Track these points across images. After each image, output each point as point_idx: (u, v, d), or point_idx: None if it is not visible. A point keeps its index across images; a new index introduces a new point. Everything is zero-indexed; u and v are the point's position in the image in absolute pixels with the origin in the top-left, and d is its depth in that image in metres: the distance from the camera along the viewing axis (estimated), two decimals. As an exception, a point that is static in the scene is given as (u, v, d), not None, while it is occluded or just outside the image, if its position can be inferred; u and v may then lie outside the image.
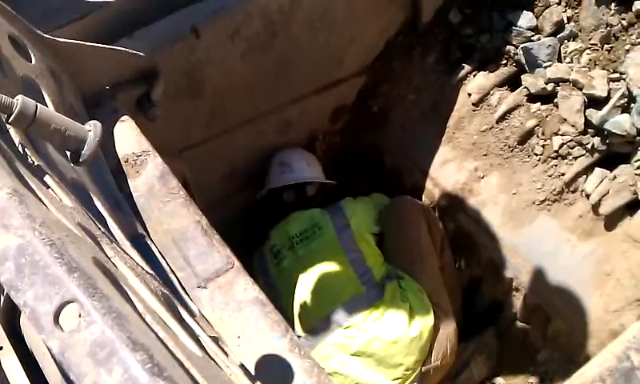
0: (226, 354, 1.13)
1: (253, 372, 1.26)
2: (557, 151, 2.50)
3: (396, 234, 2.70)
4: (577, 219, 2.48)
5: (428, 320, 2.42)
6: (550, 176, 2.53)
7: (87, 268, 0.72)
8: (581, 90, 2.44)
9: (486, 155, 2.71)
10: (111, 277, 0.80)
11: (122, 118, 1.80)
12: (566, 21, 2.60)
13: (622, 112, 2.34)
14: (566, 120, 2.48)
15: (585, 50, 2.53)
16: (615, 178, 2.37)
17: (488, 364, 2.71)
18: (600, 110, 2.38)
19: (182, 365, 0.80)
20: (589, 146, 2.43)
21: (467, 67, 2.79)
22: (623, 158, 2.39)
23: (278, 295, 2.60)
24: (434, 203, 2.89)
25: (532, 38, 2.63)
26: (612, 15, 2.45)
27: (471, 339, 2.69)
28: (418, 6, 2.78)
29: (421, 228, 2.66)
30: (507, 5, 2.72)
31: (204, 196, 2.52)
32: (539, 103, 2.58)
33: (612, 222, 2.39)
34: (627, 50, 2.40)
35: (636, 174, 2.33)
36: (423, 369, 2.40)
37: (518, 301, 2.64)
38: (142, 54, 1.84)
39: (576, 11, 2.59)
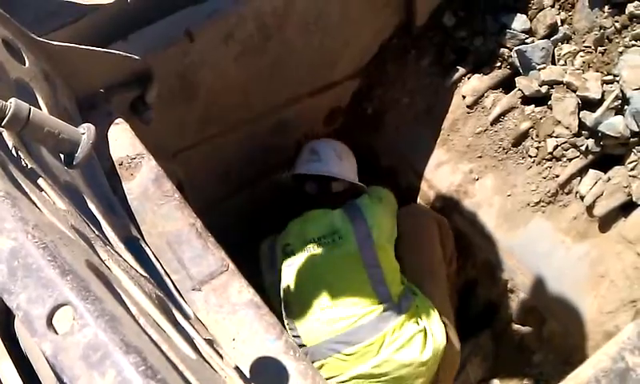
0: (220, 356, 1.13)
1: (248, 374, 1.26)
2: (551, 153, 2.51)
3: (410, 247, 2.61)
4: (571, 221, 2.49)
5: (440, 343, 2.35)
6: (545, 178, 2.54)
7: (80, 271, 0.72)
8: (575, 92, 2.44)
9: (480, 157, 2.72)
10: (105, 279, 0.80)
11: (116, 121, 1.80)
12: (559, 23, 2.61)
13: (616, 114, 2.35)
14: (560, 122, 2.48)
15: (578, 52, 2.54)
16: (609, 179, 2.38)
17: (484, 366, 2.72)
18: (594, 112, 2.39)
19: (175, 367, 0.79)
20: (583, 148, 2.44)
21: (461, 70, 2.80)
22: (617, 159, 2.40)
23: (282, 297, 2.48)
24: (429, 205, 2.89)
25: (526, 41, 2.64)
26: (605, 18, 2.46)
27: (467, 341, 2.69)
28: (412, 10, 2.79)
29: (434, 241, 2.60)
30: (501, 8, 2.72)
31: (199, 198, 2.52)
32: (533, 105, 2.59)
33: (606, 223, 2.40)
34: (620, 53, 2.41)
35: (630, 176, 2.34)
36: None
37: (513, 302, 2.64)
38: (136, 56, 1.84)
39: (569, 14, 2.60)
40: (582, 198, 2.43)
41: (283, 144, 2.97)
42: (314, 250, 2.46)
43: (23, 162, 1.11)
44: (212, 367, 1.03)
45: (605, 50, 2.47)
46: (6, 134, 1.15)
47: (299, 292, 2.44)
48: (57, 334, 0.67)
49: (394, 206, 2.71)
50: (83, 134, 1.12)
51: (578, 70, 2.50)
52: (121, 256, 1.16)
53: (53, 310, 0.68)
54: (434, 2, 2.83)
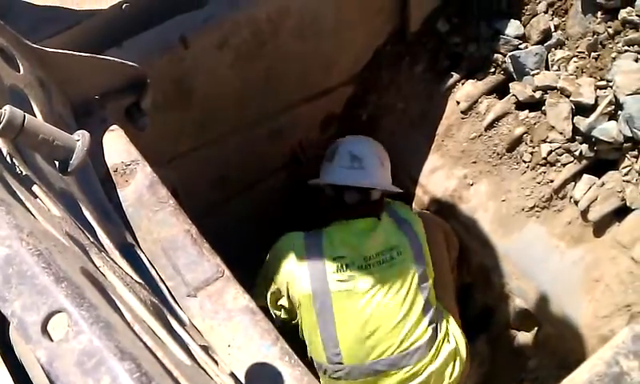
0: (216, 362, 1.13)
1: (243, 381, 1.26)
2: (545, 158, 2.52)
3: None
4: (566, 226, 2.49)
5: (465, 360, 2.36)
6: (539, 183, 2.55)
7: (75, 278, 0.72)
8: (568, 97, 2.45)
9: (475, 162, 2.72)
10: (99, 286, 0.80)
11: (111, 128, 1.80)
12: (553, 29, 2.62)
13: (610, 119, 2.36)
14: (553, 127, 2.49)
15: (572, 57, 2.55)
16: (603, 184, 2.38)
17: (480, 371, 2.72)
18: (587, 117, 2.40)
19: (170, 374, 0.79)
20: (577, 153, 2.45)
21: (455, 76, 2.81)
22: (611, 164, 2.41)
23: (326, 309, 2.26)
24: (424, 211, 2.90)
25: (519, 47, 2.65)
26: (598, 23, 2.47)
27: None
28: (406, 16, 2.80)
29: (443, 249, 2.51)
30: (494, 14, 2.74)
31: (194, 205, 2.52)
32: (527, 111, 2.60)
33: (601, 228, 2.41)
34: (614, 58, 2.42)
35: (624, 181, 2.35)
36: None
37: (508, 307, 2.64)
38: (131, 63, 1.84)
39: (563, 19, 2.61)
40: (576, 202, 2.44)
41: (278, 150, 2.97)
42: (372, 266, 2.27)
43: (18, 169, 1.11)
44: (207, 373, 1.02)
45: (598, 55, 2.48)
46: (0, 141, 1.15)
47: (350, 309, 2.26)
48: (52, 340, 0.67)
49: None
50: (78, 140, 1.12)
51: (572, 75, 2.52)
52: (116, 263, 1.16)
53: (47, 316, 0.68)
54: (428, 8, 2.85)
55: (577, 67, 2.52)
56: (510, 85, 2.66)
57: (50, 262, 0.70)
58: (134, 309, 0.92)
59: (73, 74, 1.71)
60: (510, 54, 2.64)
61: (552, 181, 2.51)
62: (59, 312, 0.69)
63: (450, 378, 2.33)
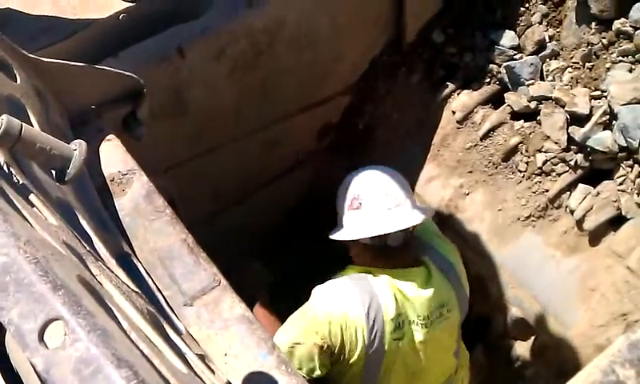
0: (212, 371, 1.13)
1: (239, 390, 1.26)
2: (540, 168, 2.53)
3: None
4: (561, 235, 2.50)
5: (468, 371, 2.34)
6: (535, 192, 2.56)
7: (72, 286, 0.72)
8: (563, 107, 2.47)
9: (470, 172, 2.73)
10: (96, 294, 0.80)
11: (108, 137, 1.80)
12: (547, 40, 2.64)
13: (604, 129, 2.38)
14: (549, 137, 2.51)
15: (566, 68, 2.57)
16: (598, 194, 2.39)
17: (476, 380, 2.71)
18: (582, 127, 2.41)
19: (167, 382, 0.79)
20: (572, 163, 2.46)
21: (451, 86, 2.82)
22: (606, 174, 2.42)
23: (373, 367, 2.05)
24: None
25: (514, 57, 2.67)
26: (592, 34, 2.49)
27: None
28: (401, 26, 2.82)
29: None
30: (489, 24, 2.76)
31: (190, 214, 2.51)
32: (522, 121, 2.62)
33: (596, 237, 2.42)
34: (608, 68, 2.43)
35: (619, 190, 2.36)
36: None
37: (504, 316, 2.65)
38: (127, 73, 1.84)
39: (557, 30, 2.63)
40: (571, 212, 2.45)
41: (275, 160, 2.97)
42: (426, 326, 2.05)
43: (15, 178, 1.11)
44: (204, 382, 1.02)
45: (592, 65, 2.50)
46: (-3, 150, 1.15)
47: (399, 365, 2.08)
48: (48, 348, 0.67)
49: None
50: (75, 150, 1.13)
51: (567, 85, 2.53)
52: (112, 271, 1.16)
53: (44, 324, 0.68)
54: (424, 18, 2.86)
55: (571, 77, 2.54)
56: (505, 95, 2.67)
57: (47, 270, 0.71)
58: (131, 317, 0.92)
59: (69, 83, 1.72)
60: (505, 64, 2.65)
61: (547, 190, 2.52)
62: (56, 320, 0.69)
63: None
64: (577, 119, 2.44)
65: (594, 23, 2.50)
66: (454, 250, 2.21)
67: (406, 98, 2.93)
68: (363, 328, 1.94)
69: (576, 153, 2.46)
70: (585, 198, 2.42)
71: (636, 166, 2.33)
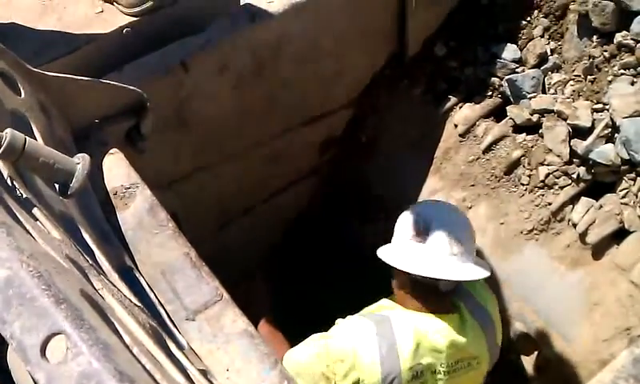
0: (214, 386, 1.12)
1: (242, 404, 1.25)
2: (543, 181, 2.53)
3: None
4: (564, 248, 2.50)
5: None
6: (537, 206, 2.55)
7: (74, 300, 0.72)
8: (565, 120, 2.47)
9: (473, 185, 2.73)
10: (98, 309, 0.80)
11: (111, 151, 1.81)
12: (549, 53, 2.64)
13: (607, 142, 2.38)
14: (551, 150, 2.51)
15: (568, 81, 2.57)
16: (601, 207, 2.39)
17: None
18: (584, 140, 2.41)
19: (169, 397, 0.79)
20: (574, 176, 2.46)
21: (453, 99, 2.83)
22: (608, 187, 2.42)
23: None
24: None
25: (516, 70, 2.67)
26: (594, 47, 2.50)
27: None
28: (404, 40, 2.83)
29: None
30: (491, 38, 2.76)
31: (193, 228, 2.52)
32: (524, 134, 2.62)
33: (599, 251, 2.41)
34: (610, 81, 2.44)
35: (621, 203, 2.36)
36: None
37: (507, 331, 2.63)
38: (131, 87, 1.85)
39: (559, 43, 2.64)
40: (574, 225, 2.44)
41: (278, 173, 2.98)
42: (449, 373, 2.00)
43: (18, 192, 1.12)
44: (206, 397, 1.02)
45: (594, 78, 2.50)
46: (1, 164, 1.16)
47: None
48: (50, 362, 0.67)
49: None
50: (78, 164, 1.13)
51: (568, 98, 2.53)
52: (115, 285, 1.16)
53: (47, 338, 0.68)
54: (426, 32, 2.87)
55: (573, 90, 2.54)
56: (507, 108, 2.67)
57: (50, 284, 0.71)
58: (133, 331, 0.92)
59: (74, 97, 1.72)
60: (506, 77, 2.66)
61: (550, 203, 2.51)
62: (58, 334, 0.69)
63: None
64: (579, 132, 2.44)
65: (595, 36, 2.50)
66: (492, 299, 2.16)
67: (408, 111, 2.93)
68: (378, 378, 1.89)
69: (578, 166, 2.46)
70: (587, 211, 2.42)
71: (639, 178, 2.33)
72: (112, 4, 2.21)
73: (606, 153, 2.35)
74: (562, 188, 2.50)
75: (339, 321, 2.04)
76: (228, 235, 3.00)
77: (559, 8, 2.62)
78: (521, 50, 2.70)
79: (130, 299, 1.17)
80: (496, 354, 2.11)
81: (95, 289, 0.96)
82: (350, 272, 3.18)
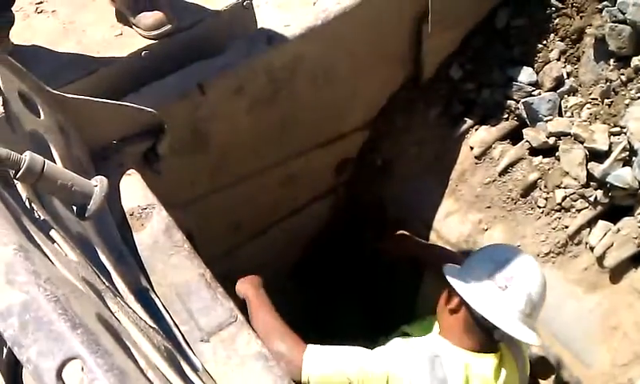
0: (228, 410, 1.12)
1: (255, 428, 1.25)
2: (560, 204, 2.51)
3: None
4: (582, 272, 2.48)
5: None
6: (554, 229, 2.54)
7: (91, 324, 0.73)
8: (582, 143, 2.46)
9: (489, 208, 2.72)
10: (114, 332, 0.81)
11: (129, 172, 1.83)
12: (565, 76, 2.64)
13: (624, 165, 2.36)
14: (568, 173, 2.50)
15: (585, 104, 2.56)
16: (619, 230, 2.37)
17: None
18: (602, 163, 2.40)
19: (183, 421, 0.79)
20: (592, 199, 2.44)
21: (469, 121, 2.82)
22: (626, 210, 2.40)
23: None
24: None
25: (532, 93, 2.67)
26: (611, 70, 2.49)
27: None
28: (420, 63, 2.83)
29: None
30: (507, 61, 2.77)
31: (209, 248, 2.52)
32: (541, 156, 2.61)
33: (617, 274, 2.39)
34: (627, 104, 2.43)
35: (639, 227, 2.34)
36: None
37: (524, 355, 2.61)
38: (148, 109, 1.87)
39: (575, 67, 2.64)
40: (591, 249, 2.42)
41: (293, 194, 2.98)
42: None
43: (36, 214, 1.13)
44: (219, 421, 1.02)
45: (611, 102, 2.49)
46: (20, 186, 1.17)
47: None
48: (66, 387, 0.68)
49: None
50: (96, 186, 1.14)
51: (585, 121, 2.53)
52: (130, 307, 1.17)
53: (63, 363, 0.69)
54: (442, 55, 2.88)
55: (590, 113, 2.53)
56: (524, 131, 2.67)
57: (67, 309, 0.71)
58: (148, 354, 0.92)
59: (92, 119, 1.74)
60: (523, 100, 2.66)
61: (567, 226, 2.50)
62: (74, 358, 0.69)
63: None
64: (596, 155, 2.43)
65: (612, 60, 2.50)
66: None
67: (423, 134, 2.93)
68: None
69: (595, 189, 2.44)
70: (605, 234, 2.40)
71: (657, 202, 2.31)
72: (131, 27, 2.24)
73: (624, 176, 2.33)
74: (579, 211, 2.48)
75: (395, 344, 2.03)
76: (244, 255, 3.01)
77: (575, 31, 2.62)
78: (537, 73, 2.69)
79: (145, 321, 1.18)
80: (526, 382, 2.14)
81: (111, 311, 0.96)
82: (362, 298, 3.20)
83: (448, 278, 2.07)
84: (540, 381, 2.59)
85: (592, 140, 2.42)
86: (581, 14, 2.61)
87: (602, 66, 2.53)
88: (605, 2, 2.49)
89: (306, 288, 3.35)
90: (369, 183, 3.13)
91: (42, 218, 1.13)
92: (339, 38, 2.46)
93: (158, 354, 0.96)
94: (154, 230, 1.66)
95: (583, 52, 2.60)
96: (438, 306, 2.15)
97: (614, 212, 2.44)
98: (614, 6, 2.43)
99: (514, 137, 2.74)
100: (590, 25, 2.57)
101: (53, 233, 1.10)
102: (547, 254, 2.54)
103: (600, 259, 2.40)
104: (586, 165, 2.44)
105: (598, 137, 2.42)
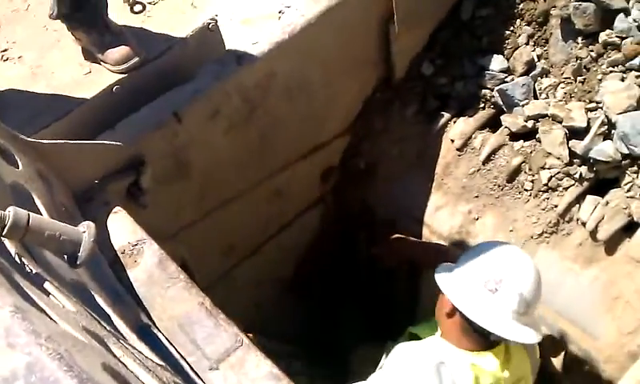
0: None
1: None
2: (546, 184, 2.52)
3: None
4: (577, 248, 2.49)
5: None
6: (544, 209, 2.55)
7: (98, 376, 0.71)
8: (560, 123, 2.47)
9: (477, 197, 2.72)
10: (122, 380, 0.79)
11: (115, 210, 1.82)
12: (536, 59, 2.66)
13: (604, 139, 2.38)
14: (550, 154, 2.51)
15: (559, 84, 2.58)
16: (608, 203, 2.39)
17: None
18: (582, 140, 2.41)
19: None
20: (577, 176, 2.46)
21: (446, 115, 2.83)
22: (612, 182, 2.42)
23: None
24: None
25: (505, 80, 2.68)
26: (580, 48, 2.51)
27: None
28: (390, 63, 2.84)
29: None
30: (477, 51, 2.78)
31: (204, 274, 2.51)
32: (522, 141, 2.62)
33: (612, 245, 2.40)
34: (600, 80, 2.45)
35: (627, 197, 2.36)
36: None
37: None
38: (125, 144, 1.86)
39: (545, 49, 2.65)
40: (583, 224, 2.44)
41: (282, 208, 2.97)
42: None
43: (28, 268, 1.11)
44: None
45: (584, 79, 2.51)
46: (7, 242, 1.15)
47: None
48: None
49: None
50: (84, 232, 1.13)
51: (561, 101, 2.54)
52: (135, 348, 1.15)
53: (74, 420, 0.67)
54: (412, 53, 2.89)
55: (565, 93, 2.55)
56: (502, 117, 2.68)
57: (72, 365, 0.70)
58: (158, 396, 0.91)
59: (70, 162, 1.73)
60: (497, 88, 2.67)
61: (556, 205, 2.51)
62: (85, 414, 0.68)
63: None
64: (575, 133, 2.44)
65: (579, 38, 2.52)
66: None
67: (403, 132, 2.94)
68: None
69: (579, 166, 2.46)
70: (595, 208, 2.41)
71: (641, 171, 2.33)
72: (99, 64, 2.23)
73: (605, 150, 2.35)
74: (566, 189, 2.50)
75: (400, 351, 2.03)
76: (239, 275, 2.99)
77: (541, 14, 2.64)
78: (507, 60, 2.71)
79: (151, 359, 1.16)
80: (537, 366, 2.18)
81: (116, 357, 0.95)
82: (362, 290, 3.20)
83: (439, 284, 2.07)
84: (551, 359, 2.60)
85: (570, 118, 2.44)
86: (544, -4, 2.63)
87: (571, 45, 2.54)
88: (566, -18, 2.52)
89: (305, 300, 3.34)
90: (355, 188, 3.12)
91: (34, 271, 1.11)
92: (308, 49, 2.46)
93: (167, 393, 0.95)
94: (148, 265, 1.65)
95: (551, 33, 2.62)
96: (436, 309, 2.16)
97: (600, 185, 2.45)
98: (576, -16, 2.46)
99: (493, 125, 2.75)
100: (555, 6, 2.59)
101: (47, 285, 1.08)
102: (540, 235, 2.54)
103: (593, 233, 2.41)
104: (567, 143, 2.46)
105: (575, 115, 2.43)
